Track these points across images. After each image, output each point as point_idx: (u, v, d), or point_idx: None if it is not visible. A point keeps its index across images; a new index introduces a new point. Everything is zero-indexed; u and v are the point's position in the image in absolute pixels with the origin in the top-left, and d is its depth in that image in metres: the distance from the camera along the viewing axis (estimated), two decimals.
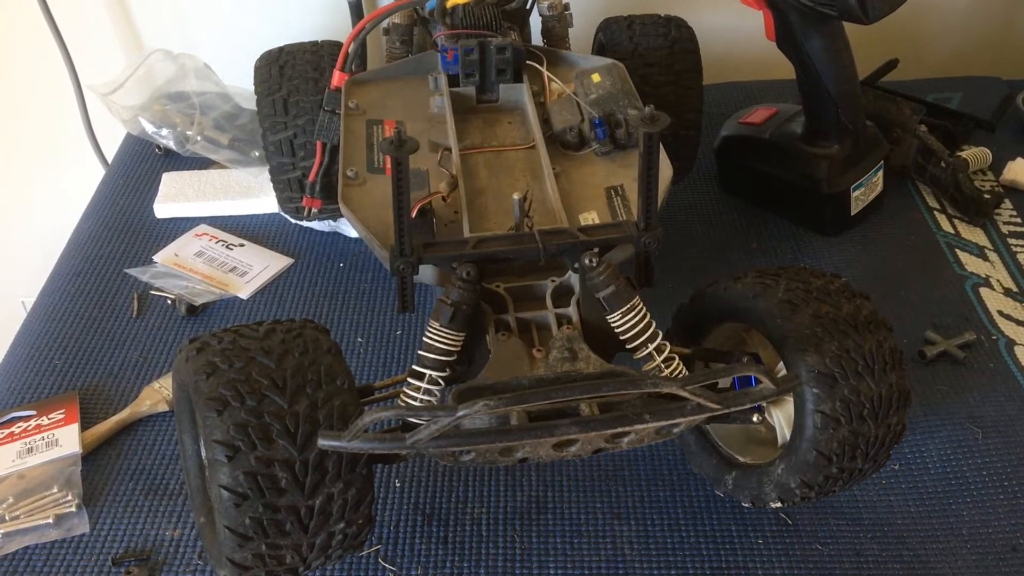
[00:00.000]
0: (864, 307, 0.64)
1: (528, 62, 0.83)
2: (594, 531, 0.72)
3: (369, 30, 0.83)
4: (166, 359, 0.87)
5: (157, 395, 0.82)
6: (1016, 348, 0.85)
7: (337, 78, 0.85)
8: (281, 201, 0.95)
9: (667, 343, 0.61)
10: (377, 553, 0.70)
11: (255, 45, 0.98)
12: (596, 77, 0.79)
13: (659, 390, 0.52)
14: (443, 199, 0.69)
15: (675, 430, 0.58)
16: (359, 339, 0.89)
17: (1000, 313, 0.90)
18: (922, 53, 1.32)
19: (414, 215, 0.64)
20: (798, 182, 0.99)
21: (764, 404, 0.66)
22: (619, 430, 0.53)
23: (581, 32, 0.98)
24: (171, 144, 1.13)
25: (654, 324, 0.61)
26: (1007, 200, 1.05)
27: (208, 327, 0.90)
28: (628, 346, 0.62)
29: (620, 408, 0.55)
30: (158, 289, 0.94)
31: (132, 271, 0.97)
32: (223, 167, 1.10)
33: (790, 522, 0.72)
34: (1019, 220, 1.02)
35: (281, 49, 0.93)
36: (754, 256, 0.98)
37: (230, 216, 1.04)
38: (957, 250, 0.98)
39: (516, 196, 0.65)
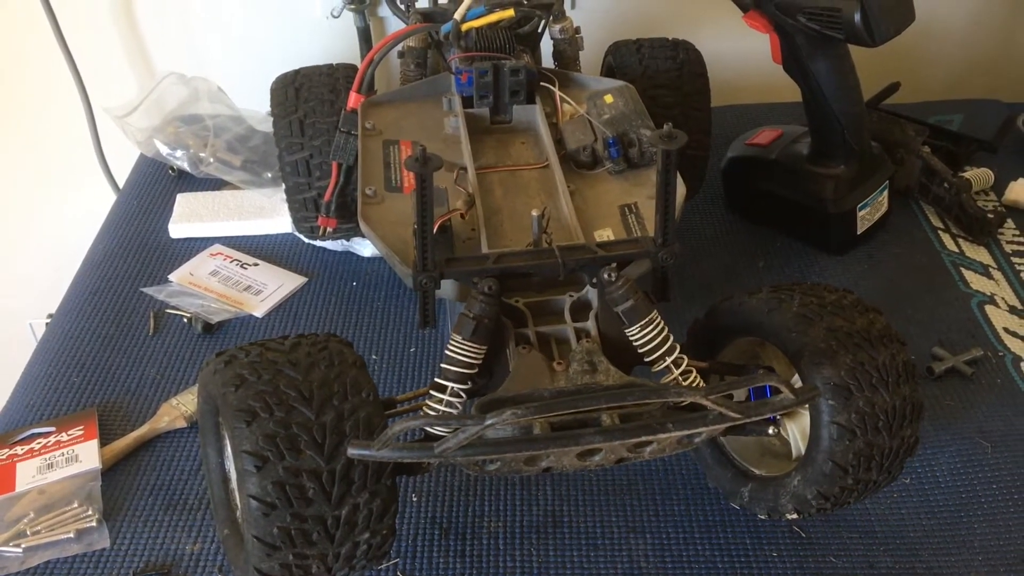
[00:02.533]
0: (877, 321, 0.65)
1: (541, 84, 0.85)
2: (610, 544, 0.72)
3: (386, 52, 0.85)
4: (183, 376, 0.88)
5: (175, 411, 0.83)
6: (1023, 364, 0.87)
7: (353, 99, 0.86)
8: (296, 221, 0.96)
9: (684, 356, 0.63)
10: (396, 567, 0.70)
11: (266, 68, 1.00)
12: (609, 98, 0.81)
13: (682, 399, 0.53)
14: (461, 216, 0.70)
15: (696, 440, 0.59)
16: (374, 356, 0.90)
17: (1006, 330, 0.91)
18: (922, 76, 1.35)
19: (435, 231, 0.66)
20: (804, 202, 1.00)
21: (779, 416, 0.67)
22: (643, 439, 0.54)
23: (590, 55, 1.00)
24: (185, 165, 1.14)
25: (672, 338, 0.62)
26: (1010, 220, 1.06)
27: (224, 345, 0.91)
28: (646, 359, 0.63)
29: (642, 418, 0.56)
30: (174, 308, 0.95)
31: (148, 290, 0.98)
32: (236, 188, 1.11)
33: (804, 535, 0.72)
34: (1022, 239, 1.04)
35: (297, 72, 0.95)
36: (761, 275, 1.00)
37: (244, 236, 1.06)
38: (962, 269, 1.00)
39: (535, 213, 0.66)
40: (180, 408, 0.83)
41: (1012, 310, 0.94)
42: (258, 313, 0.95)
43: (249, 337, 0.92)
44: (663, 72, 0.96)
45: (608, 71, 1.02)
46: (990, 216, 1.04)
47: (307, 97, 0.91)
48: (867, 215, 1.01)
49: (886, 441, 0.63)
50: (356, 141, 0.84)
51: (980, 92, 1.32)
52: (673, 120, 0.93)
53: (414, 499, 0.76)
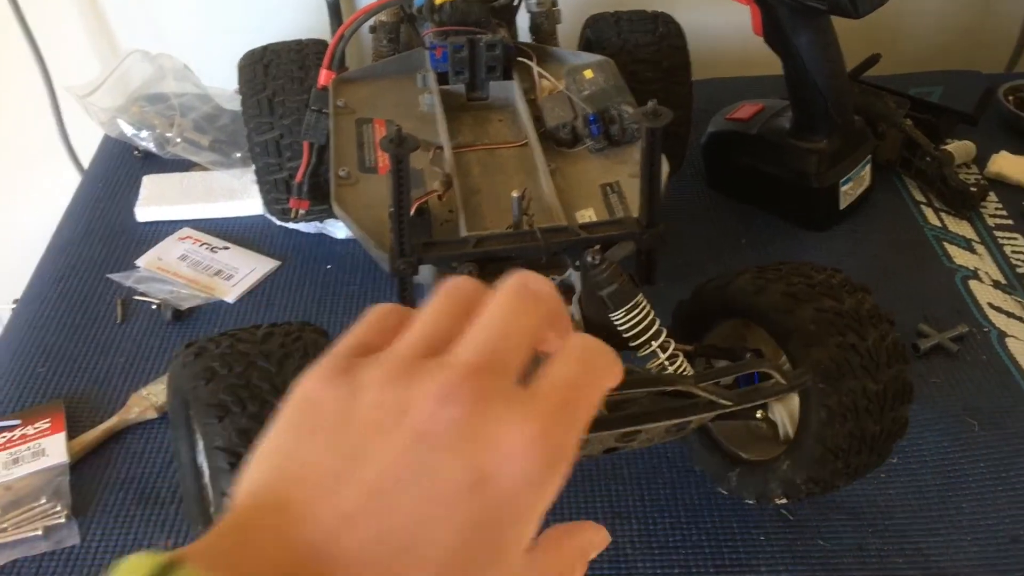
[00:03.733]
0: (866, 301, 0.64)
1: (518, 59, 0.82)
2: None
3: (357, 27, 0.82)
4: (153, 365, 0.85)
5: (145, 402, 0.80)
6: (1008, 340, 0.86)
7: (324, 77, 0.83)
8: (267, 203, 0.94)
9: (671, 341, 0.61)
10: None
11: (233, 45, 0.97)
12: (588, 73, 0.78)
13: (673, 387, 0.51)
14: (439, 198, 0.68)
15: (686, 428, 0.57)
16: None
17: (990, 305, 0.90)
18: (902, 48, 1.33)
19: (412, 214, 0.63)
20: (787, 177, 0.99)
21: (767, 404, 0.65)
22: (632, 429, 0.52)
23: (568, 28, 0.98)
24: (151, 146, 1.11)
25: (658, 322, 0.61)
26: (992, 193, 1.05)
27: (195, 332, 0.89)
28: (631, 344, 0.61)
29: (630, 406, 0.54)
30: (142, 294, 0.92)
31: (115, 276, 0.95)
32: (205, 169, 1.08)
33: (792, 518, 0.71)
34: (1005, 213, 1.03)
35: (265, 48, 0.92)
36: (744, 252, 0.98)
37: (213, 219, 1.03)
38: (945, 243, 0.99)
39: (515, 194, 0.64)
40: (150, 398, 0.80)
41: (996, 284, 0.93)
42: (230, 298, 0.92)
43: (221, 323, 0.90)
44: (642, 46, 0.94)
45: (586, 45, 0.99)
46: (973, 189, 1.02)
47: (276, 75, 0.88)
48: (850, 190, 1.00)
49: (876, 423, 0.61)
50: (327, 120, 0.82)
51: (959, 63, 1.30)
52: (653, 95, 0.92)
53: None
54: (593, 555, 0.34)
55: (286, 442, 0.30)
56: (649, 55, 0.93)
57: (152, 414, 0.79)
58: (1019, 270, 0.95)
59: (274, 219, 0.99)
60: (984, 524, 0.71)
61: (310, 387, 0.31)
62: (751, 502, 0.70)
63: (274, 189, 0.90)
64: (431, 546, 0.27)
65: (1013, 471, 0.74)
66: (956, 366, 0.84)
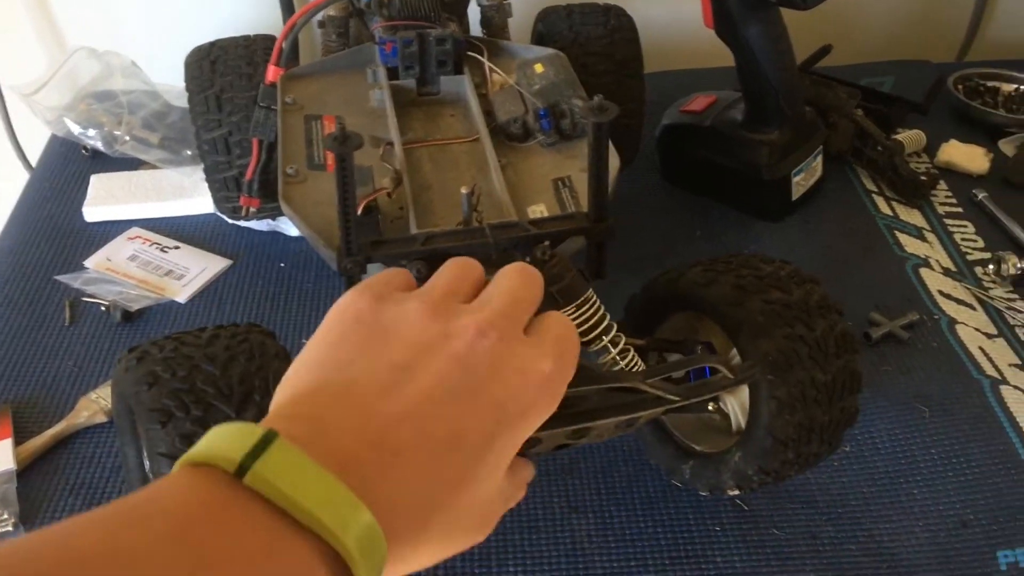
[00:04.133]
0: (814, 292, 0.64)
1: (468, 53, 0.82)
2: (552, 526, 0.71)
3: (304, 23, 0.81)
4: (102, 368, 0.84)
5: (94, 406, 0.79)
6: (958, 327, 0.87)
7: (272, 73, 0.82)
8: (217, 201, 0.92)
9: (622, 335, 0.61)
10: None
11: (183, 41, 0.95)
12: (539, 67, 0.78)
13: (621, 384, 0.51)
14: (388, 195, 0.68)
15: (636, 424, 0.57)
16: (303, 340, 0.86)
17: (940, 293, 0.91)
18: (853, 39, 1.34)
19: (359, 212, 0.63)
20: (740, 169, 0.99)
21: (719, 395, 0.66)
22: (582, 426, 0.52)
23: (520, 22, 0.97)
24: (99, 145, 1.09)
25: (608, 316, 0.60)
26: (942, 181, 1.07)
27: (145, 333, 0.87)
28: (583, 340, 0.61)
29: (580, 404, 0.54)
30: (91, 296, 0.90)
31: (62, 278, 0.93)
32: (154, 167, 1.07)
33: (746, 508, 0.72)
34: (954, 201, 1.04)
35: (212, 44, 0.90)
36: (698, 244, 0.98)
37: (164, 218, 1.01)
38: (896, 232, 1.00)
39: (464, 191, 0.63)
40: (99, 402, 0.79)
41: (946, 272, 0.94)
42: (180, 299, 0.91)
43: (172, 324, 0.89)
44: (594, 39, 0.93)
45: (538, 39, 0.99)
46: (923, 178, 1.04)
47: (223, 71, 0.87)
48: (802, 181, 1.00)
49: (826, 413, 0.62)
50: (276, 116, 0.81)
51: (910, 53, 1.32)
52: (606, 88, 0.92)
53: None
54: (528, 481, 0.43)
55: (336, 352, 0.35)
56: (601, 48, 0.93)
57: (102, 418, 0.78)
58: (968, 258, 0.96)
59: (225, 217, 0.98)
60: (935, 510, 0.72)
61: (357, 306, 0.37)
62: (705, 494, 0.71)
63: (224, 187, 0.89)
64: (460, 450, 0.34)
65: (963, 456, 0.75)
66: (907, 354, 0.84)
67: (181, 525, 0.27)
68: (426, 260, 0.59)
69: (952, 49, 1.38)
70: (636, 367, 0.61)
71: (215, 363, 0.55)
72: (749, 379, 0.59)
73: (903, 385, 0.81)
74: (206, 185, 0.93)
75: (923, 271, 0.94)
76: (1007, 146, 1.11)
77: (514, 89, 0.77)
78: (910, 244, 0.98)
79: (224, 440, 0.29)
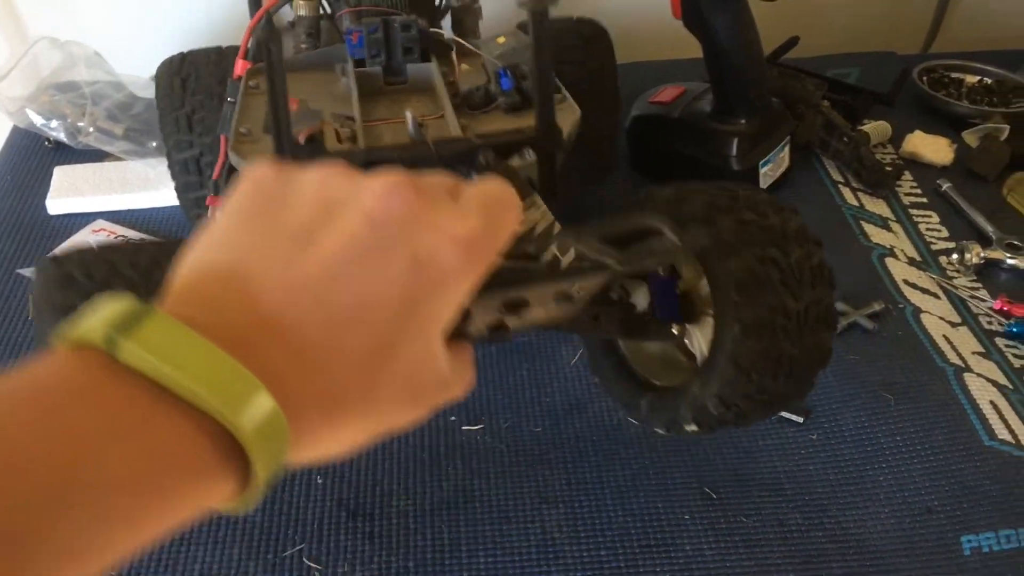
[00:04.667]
0: (793, 220, 0.61)
1: (437, 41, 0.81)
2: (522, 516, 0.71)
3: (274, 12, 0.80)
4: None
5: None
6: (922, 315, 0.88)
7: (240, 66, 0.81)
8: (192, 219, 0.91)
9: (571, 243, 0.57)
10: (301, 552, 0.68)
11: (146, 30, 0.95)
12: (501, 39, 0.78)
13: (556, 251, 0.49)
14: (336, 134, 0.66)
15: (576, 295, 0.54)
16: None
17: (905, 282, 0.92)
18: (820, 31, 1.35)
19: (302, 141, 0.61)
20: (708, 159, 0.99)
21: (684, 327, 0.63)
22: (514, 294, 0.49)
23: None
24: (62, 136, 1.07)
25: (558, 224, 0.57)
26: (907, 172, 1.08)
27: None
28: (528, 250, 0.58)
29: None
30: None
31: (25, 271, 0.92)
32: (119, 159, 1.05)
33: (715, 496, 0.72)
34: (919, 191, 1.05)
35: (183, 57, 0.88)
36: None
37: (128, 210, 1.00)
38: (862, 222, 1.00)
39: (409, 112, 0.62)
40: None
41: (911, 262, 0.95)
42: None
43: None
44: (568, 47, 0.92)
45: None
46: (888, 169, 1.05)
47: (195, 89, 0.85)
48: (769, 171, 1.01)
49: (794, 345, 0.58)
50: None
51: (877, 45, 1.33)
52: (581, 102, 0.91)
53: (319, 481, 0.73)
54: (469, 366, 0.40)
55: (235, 224, 0.32)
56: (576, 57, 0.92)
57: None
58: (933, 247, 0.97)
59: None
60: (900, 496, 0.72)
61: (259, 174, 0.33)
62: (662, 432, 0.67)
63: (196, 207, 0.88)
64: (371, 317, 0.31)
65: (927, 444, 0.76)
66: (873, 342, 0.85)
67: (52, 403, 0.26)
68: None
69: (918, 41, 1.40)
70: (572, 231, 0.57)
71: (136, 269, 0.52)
72: (696, 246, 0.55)
73: (869, 374, 0.82)
74: (171, 176, 0.92)
75: (888, 260, 0.95)
76: (970, 137, 1.12)
77: (479, 65, 0.76)
78: (876, 234, 0.99)
79: (97, 316, 0.27)
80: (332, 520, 0.70)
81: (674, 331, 0.63)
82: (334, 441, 0.31)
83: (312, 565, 0.67)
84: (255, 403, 0.27)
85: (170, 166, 0.87)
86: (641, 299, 0.63)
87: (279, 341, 0.29)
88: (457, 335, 0.38)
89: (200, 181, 0.86)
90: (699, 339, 0.64)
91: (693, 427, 0.63)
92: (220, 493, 0.28)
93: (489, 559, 0.68)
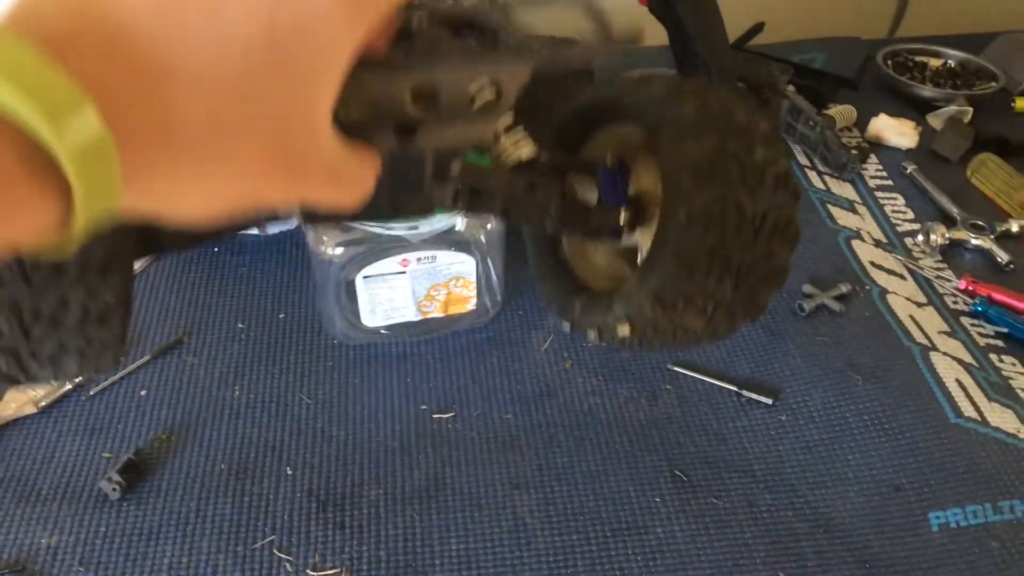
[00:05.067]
0: (761, 124, 0.56)
1: None
2: (494, 503, 0.71)
3: None
4: None
5: (23, 397, 0.77)
6: (888, 296, 0.89)
7: None
8: None
9: (520, 126, 0.53)
10: (272, 544, 0.67)
11: None
12: None
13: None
14: None
15: (503, 101, 0.44)
16: (240, 324, 0.85)
17: (872, 264, 0.93)
18: (785, 16, 1.36)
19: None
20: None
21: (625, 227, 0.59)
22: (420, 76, 0.44)
23: None
24: None
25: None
26: (873, 155, 1.09)
27: None
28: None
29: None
30: None
31: None
32: None
33: (685, 479, 0.73)
34: (884, 174, 1.06)
35: None
36: None
37: None
38: (829, 205, 1.01)
39: None
40: (28, 393, 0.77)
41: (877, 243, 0.96)
42: None
43: None
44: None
45: None
46: (854, 152, 1.05)
47: None
48: None
49: (747, 252, 0.53)
50: None
51: (842, 30, 1.34)
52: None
53: (289, 472, 0.73)
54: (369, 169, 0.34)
55: None
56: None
57: (31, 409, 0.76)
58: (899, 229, 0.98)
59: None
60: (869, 475, 0.73)
61: None
62: (594, 338, 0.62)
63: None
64: (224, 45, 0.26)
65: (895, 422, 0.77)
66: (840, 324, 0.86)
67: None
68: None
69: (883, 26, 1.41)
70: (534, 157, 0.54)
71: None
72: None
73: (836, 354, 0.83)
74: None
75: (855, 243, 0.95)
76: (935, 120, 1.14)
77: None
78: (842, 217, 0.99)
79: None
80: (302, 511, 0.70)
81: (620, 221, 0.58)
82: (180, 187, 0.27)
83: (283, 556, 0.67)
84: (76, 118, 0.23)
85: None
86: (590, 195, 0.59)
87: (112, 51, 0.25)
88: (359, 131, 0.35)
89: None
90: (645, 242, 0.59)
91: (625, 329, 0.57)
92: (36, 222, 0.24)
93: (461, 546, 0.68)
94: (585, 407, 0.78)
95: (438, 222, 0.74)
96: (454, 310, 0.81)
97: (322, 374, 0.81)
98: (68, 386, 0.78)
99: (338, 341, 0.83)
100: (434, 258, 0.76)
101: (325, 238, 0.75)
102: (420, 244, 0.75)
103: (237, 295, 0.89)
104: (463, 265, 0.78)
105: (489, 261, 0.80)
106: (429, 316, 0.81)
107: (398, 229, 0.74)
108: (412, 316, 0.81)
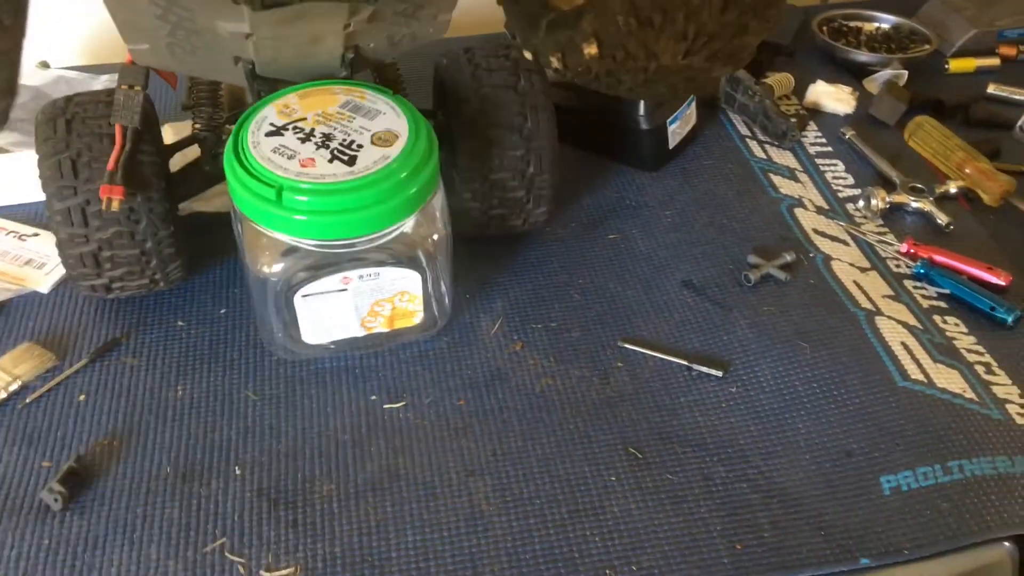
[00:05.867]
0: None
1: None
2: (449, 491, 0.70)
3: None
4: None
5: None
6: (832, 263, 0.89)
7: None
8: (75, 279, 0.80)
9: None
10: (223, 547, 0.66)
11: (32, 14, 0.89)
12: None
13: None
14: None
15: None
16: (180, 323, 0.83)
17: (815, 231, 0.93)
18: None
19: None
20: (617, 121, 0.99)
21: None
22: None
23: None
24: None
25: None
26: (811, 122, 1.09)
27: (9, 328, 0.82)
28: None
29: None
30: None
31: None
32: (5, 151, 1.00)
33: (640, 456, 0.72)
34: (824, 141, 1.07)
35: (69, 100, 0.81)
36: (581, 196, 0.98)
37: (20, 204, 0.95)
38: (770, 174, 1.01)
39: None
40: None
41: (819, 211, 0.96)
42: (43, 288, 0.86)
43: (37, 317, 0.84)
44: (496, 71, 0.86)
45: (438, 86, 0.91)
46: (793, 120, 1.06)
47: (81, 131, 0.77)
48: (678, 128, 1.01)
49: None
50: (140, 97, 0.76)
51: None
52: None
53: (237, 471, 0.71)
54: None
55: None
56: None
57: None
58: (840, 195, 0.99)
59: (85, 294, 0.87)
60: (820, 442, 0.74)
61: None
62: (556, 64, 0.57)
63: (80, 264, 0.78)
64: None
65: (843, 388, 0.77)
66: (786, 292, 0.86)
67: None
68: None
69: None
70: None
71: None
72: None
73: (783, 324, 0.83)
74: None
75: (797, 211, 0.96)
76: (871, 84, 1.14)
77: None
78: (784, 185, 1.00)
79: None
80: (253, 511, 0.68)
81: None
82: None
83: (235, 559, 0.65)
84: None
85: (49, 217, 0.77)
86: None
87: None
88: None
89: (86, 235, 0.76)
90: None
91: (592, 48, 0.52)
92: None
93: (417, 537, 0.67)
94: (537, 389, 0.78)
95: (381, 235, 0.72)
96: (400, 324, 0.79)
97: (268, 369, 0.79)
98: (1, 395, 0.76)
99: (278, 358, 0.81)
100: (378, 274, 0.74)
101: (262, 255, 0.72)
102: (362, 258, 0.73)
103: (174, 293, 0.86)
104: (407, 280, 0.76)
105: (438, 271, 0.78)
106: (374, 332, 0.79)
107: (337, 246, 0.71)
108: (356, 332, 0.79)
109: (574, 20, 0.54)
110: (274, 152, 0.69)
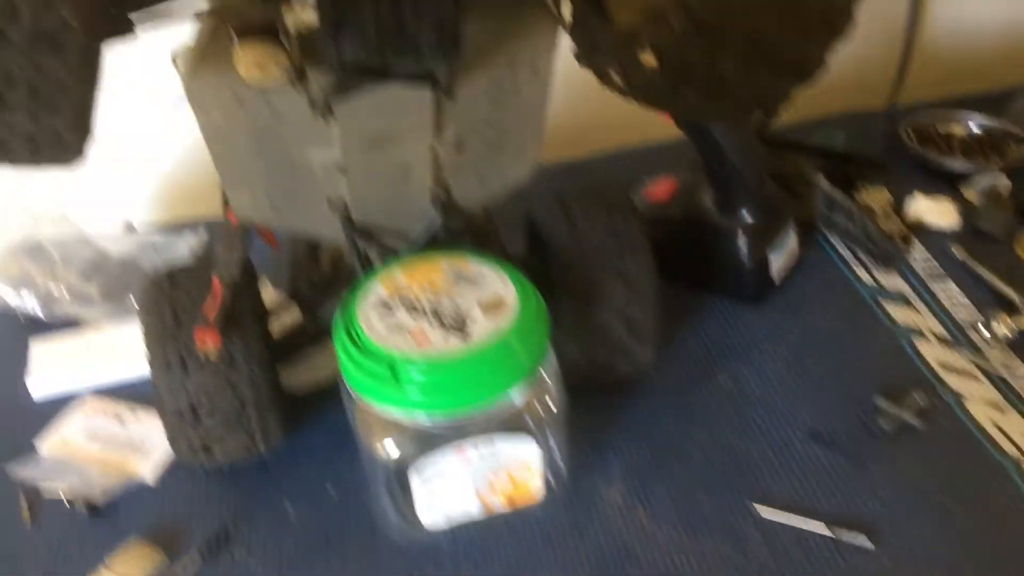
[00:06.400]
0: None
1: None
2: None
3: None
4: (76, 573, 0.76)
5: None
6: (967, 403, 0.84)
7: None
8: (174, 442, 0.79)
9: None
10: None
11: (111, 176, 0.89)
12: None
13: None
14: None
15: None
16: (288, 507, 0.80)
17: (941, 365, 0.88)
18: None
19: None
20: (719, 258, 0.96)
21: None
22: None
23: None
24: (36, 307, 1.01)
25: None
26: (916, 241, 1.05)
27: (117, 526, 0.79)
28: None
29: None
30: (49, 487, 0.82)
31: (14, 468, 0.85)
32: (99, 327, 0.99)
33: None
34: (932, 260, 1.02)
35: (170, 277, 0.79)
36: (685, 336, 0.95)
37: (118, 383, 0.93)
38: (882, 300, 0.97)
39: None
40: None
41: (941, 341, 0.91)
42: (148, 477, 0.83)
43: (145, 513, 0.81)
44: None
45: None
46: (898, 241, 1.02)
47: (187, 320, 0.75)
48: (780, 259, 0.98)
49: None
50: (239, 253, 0.76)
51: (839, 100, 1.28)
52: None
53: None
54: None
55: None
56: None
57: None
58: (959, 318, 0.94)
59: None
60: None
61: None
62: (616, 78, 0.56)
63: (179, 417, 0.77)
64: None
65: (1010, 564, 0.72)
66: (923, 441, 0.81)
67: None
68: None
69: (880, 94, 1.36)
70: None
71: None
72: None
73: (927, 481, 0.77)
74: None
75: (918, 342, 0.91)
76: (970, 193, 1.10)
77: None
78: (898, 313, 0.95)
79: None
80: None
81: None
82: None
83: None
84: None
85: (161, 416, 0.77)
86: None
87: None
88: None
89: (195, 426, 0.76)
90: None
91: (651, 58, 0.52)
92: None
93: None
94: (671, 568, 0.73)
95: (496, 405, 0.69)
96: (520, 502, 0.76)
97: (384, 557, 0.75)
98: None
99: (392, 543, 0.77)
100: (494, 445, 0.71)
101: (374, 432, 0.70)
102: (477, 430, 0.70)
103: (277, 467, 0.83)
104: (524, 449, 0.72)
105: (555, 437, 0.74)
106: (492, 510, 0.75)
107: (452, 420, 0.69)
108: (473, 509, 0.75)
109: (635, 32, 0.53)
110: (386, 328, 0.68)
